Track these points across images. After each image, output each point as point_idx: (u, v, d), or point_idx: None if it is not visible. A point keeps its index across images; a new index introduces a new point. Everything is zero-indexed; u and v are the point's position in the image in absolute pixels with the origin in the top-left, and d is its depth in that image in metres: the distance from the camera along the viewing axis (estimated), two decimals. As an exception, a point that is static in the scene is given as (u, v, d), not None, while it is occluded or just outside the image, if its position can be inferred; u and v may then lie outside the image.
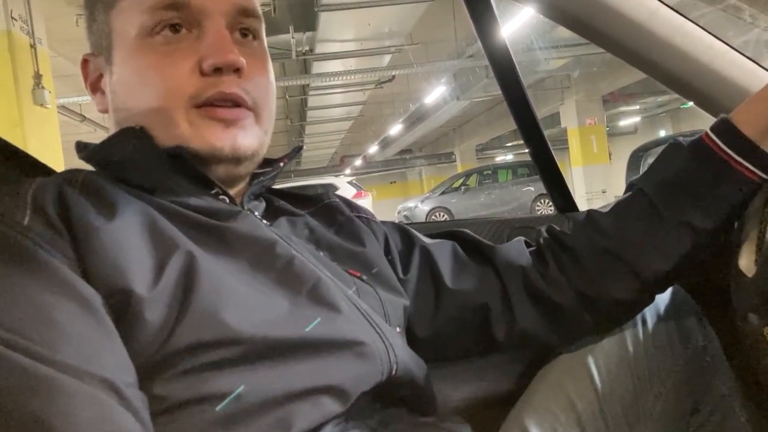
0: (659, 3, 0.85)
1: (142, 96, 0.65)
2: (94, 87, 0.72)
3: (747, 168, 0.70)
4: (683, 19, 0.85)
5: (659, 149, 0.80)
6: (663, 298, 0.84)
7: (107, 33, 0.68)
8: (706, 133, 0.73)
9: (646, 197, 0.76)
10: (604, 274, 0.77)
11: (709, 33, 0.85)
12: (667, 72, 0.88)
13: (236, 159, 0.66)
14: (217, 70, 0.64)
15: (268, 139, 0.71)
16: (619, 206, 0.79)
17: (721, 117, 0.73)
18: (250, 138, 0.67)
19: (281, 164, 0.76)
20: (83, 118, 11.24)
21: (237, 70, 0.65)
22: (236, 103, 0.65)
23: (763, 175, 0.70)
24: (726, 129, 0.72)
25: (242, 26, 0.68)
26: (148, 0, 0.64)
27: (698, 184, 0.72)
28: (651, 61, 0.88)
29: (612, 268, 0.77)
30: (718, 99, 0.84)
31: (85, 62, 0.72)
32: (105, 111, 0.71)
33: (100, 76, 0.71)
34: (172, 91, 0.64)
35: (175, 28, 0.64)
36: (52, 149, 5.04)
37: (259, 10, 0.70)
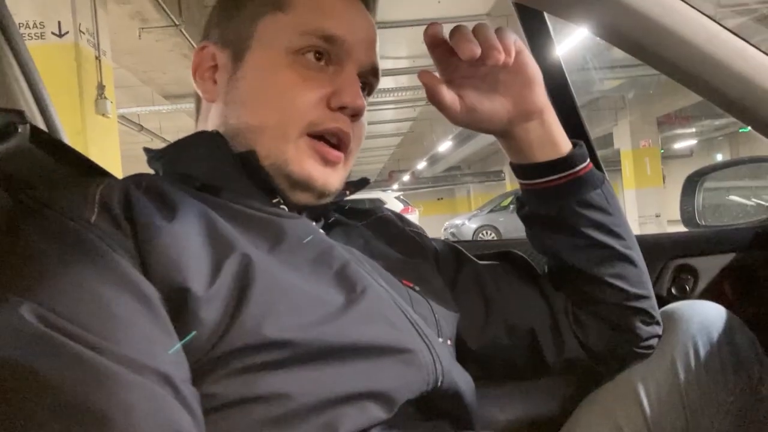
0: (720, 26, 0.83)
1: (266, 104, 0.69)
2: (202, 74, 0.75)
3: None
4: (744, 43, 0.83)
5: (716, 174, 0.78)
6: (716, 326, 0.81)
7: (247, 35, 0.71)
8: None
9: None
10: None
11: (772, 58, 0.83)
12: (725, 96, 0.86)
13: (321, 193, 0.71)
14: (341, 109, 0.69)
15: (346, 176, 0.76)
16: None
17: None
18: (339, 179, 0.73)
19: (347, 192, 0.78)
20: (141, 128, 11.62)
21: (354, 115, 0.71)
22: (342, 141, 0.71)
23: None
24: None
25: (367, 82, 0.76)
26: (308, 24, 0.69)
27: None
28: (710, 85, 0.86)
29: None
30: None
31: (202, 48, 0.75)
32: (212, 100, 0.74)
33: (215, 67, 0.74)
34: (296, 112, 0.68)
35: (318, 56, 0.70)
36: (112, 157, 5.21)
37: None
